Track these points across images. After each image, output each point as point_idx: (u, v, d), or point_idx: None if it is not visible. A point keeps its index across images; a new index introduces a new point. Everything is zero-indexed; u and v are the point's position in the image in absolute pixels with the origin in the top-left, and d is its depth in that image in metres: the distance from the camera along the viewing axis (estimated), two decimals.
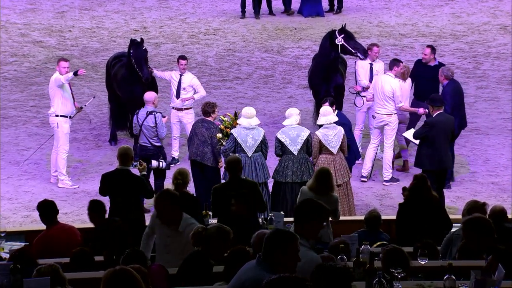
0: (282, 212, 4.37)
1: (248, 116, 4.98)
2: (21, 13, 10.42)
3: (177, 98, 6.22)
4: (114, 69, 6.49)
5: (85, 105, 6.12)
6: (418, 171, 5.10)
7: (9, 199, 5.68)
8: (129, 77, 6.09)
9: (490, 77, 8.36)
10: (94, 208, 3.98)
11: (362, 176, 5.87)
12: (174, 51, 8.93)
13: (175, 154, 6.37)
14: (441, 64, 6.13)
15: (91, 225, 4.89)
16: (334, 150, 5.00)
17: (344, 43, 5.98)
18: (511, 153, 6.41)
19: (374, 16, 10.32)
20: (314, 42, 9.24)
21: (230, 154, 4.82)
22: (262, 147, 5.01)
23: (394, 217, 4.60)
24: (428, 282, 2.80)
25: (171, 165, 6.23)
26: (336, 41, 6.00)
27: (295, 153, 4.94)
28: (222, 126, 5.12)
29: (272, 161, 5.37)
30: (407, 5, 10.71)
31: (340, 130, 5.08)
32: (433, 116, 5.20)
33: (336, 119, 5.08)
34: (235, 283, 2.47)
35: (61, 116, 5.72)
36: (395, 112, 5.79)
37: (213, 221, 4.21)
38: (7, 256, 3.69)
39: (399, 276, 2.74)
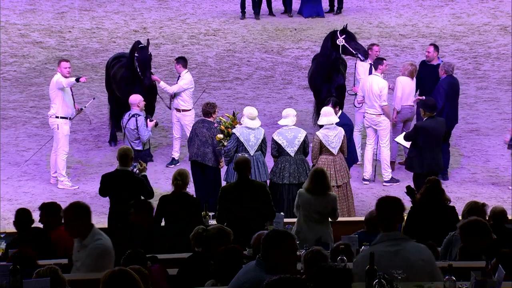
0: (282, 213, 4.37)
1: (251, 117, 4.98)
2: (21, 13, 10.42)
3: (173, 98, 6.21)
4: (113, 70, 6.48)
5: (85, 107, 6.12)
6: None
7: (8, 200, 5.68)
8: (129, 78, 6.08)
9: (491, 78, 8.36)
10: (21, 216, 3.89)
11: (364, 179, 5.85)
12: (174, 52, 8.93)
13: (176, 155, 6.35)
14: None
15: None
16: (335, 151, 4.99)
17: (345, 44, 5.96)
18: (511, 154, 6.42)
19: (374, 17, 10.32)
20: (314, 43, 9.25)
21: (238, 154, 4.79)
22: (262, 146, 5.01)
23: None
24: (428, 283, 2.77)
25: (170, 166, 6.29)
26: (337, 42, 5.99)
27: (292, 154, 4.93)
28: (222, 127, 5.10)
29: (269, 161, 5.34)
30: (407, 5, 10.71)
31: (341, 130, 5.07)
32: (424, 120, 5.23)
33: (337, 120, 5.07)
34: (234, 284, 2.47)
35: (61, 117, 5.73)
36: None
37: (213, 222, 4.20)
38: None
39: (399, 277, 2.73)
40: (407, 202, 4.20)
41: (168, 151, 6.56)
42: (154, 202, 4.51)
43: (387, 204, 2.73)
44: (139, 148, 5.43)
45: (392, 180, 5.82)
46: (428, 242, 3.33)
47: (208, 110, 5.29)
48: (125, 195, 4.34)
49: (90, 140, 6.88)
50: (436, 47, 6.17)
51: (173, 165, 6.25)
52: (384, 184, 5.81)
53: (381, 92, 5.70)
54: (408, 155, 5.38)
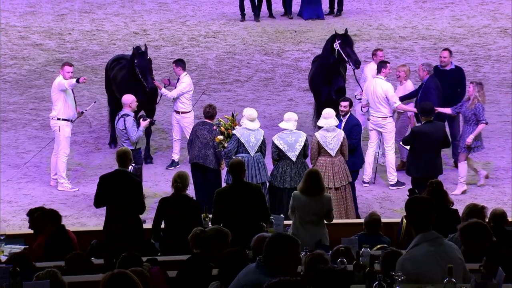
0: (282, 215, 4.36)
1: (251, 119, 4.97)
2: (21, 16, 10.43)
3: (173, 100, 6.21)
4: (113, 72, 6.48)
5: (86, 110, 6.11)
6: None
7: (8, 202, 5.66)
8: (129, 81, 6.07)
9: (490, 80, 8.36)
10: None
11: (364, 182, 5.84)
12: (174, 54, 8.93)
13: (175, 157, 6.34)
14: (457, 68, 6.04)
15: (91, 228, 4.89)
16: (333, 153, 4.97)
17: (340, 49, 5.94)
18: (511, 156, 6.40)
19: (374, 19, 10.32)
20: (314, 45, 9.25)
21: (234, 156, 4.80)
22: (262, 147, 5.00)
23: (394, 220, 4.61)
24: (429, 285, 2.77)
25: (169, 168, 6.29)
26: (334, 46, 5.98)
27: (294, 159, 4.92)
28: (222, 128, 5.10)
29: (269, 164, 5.31)
30: (407, 8, 10.71)
31: (340, 133, 5.06)
32: (421, 124, 5.22)
33: (336, 123, 5.06)
34: (234, 286, 2.46)
35: (63, 119, 5.73)
36: (390, 115, 5.78)
37: (211, 225, 4.19)
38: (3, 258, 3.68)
39: (399, 280, 2.73)
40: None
41: (168, 153, 6.55)
42: (154, 204, 4.52)
43: (421, 204, 2.70)
44: (130, 148, 5.40)
45: (398, 183, 5.80)
46: None
47: (212, 111, 5.29)
48: (123, 196, 4.32)
49: (90, 142, 6.87)
50: (450, 52, 6.10)
51: (173, 167, 6.24)
52: (390, 187, 5.79)
53: (387, 95, 5.66)
54: (407, 159, 5.38)
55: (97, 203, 4.48)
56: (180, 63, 6.26)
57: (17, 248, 4.06)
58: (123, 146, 5.32)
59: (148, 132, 6.24)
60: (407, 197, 4.24)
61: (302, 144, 4.95)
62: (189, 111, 6.25)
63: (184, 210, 4.17)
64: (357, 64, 5.93)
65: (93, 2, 10.80)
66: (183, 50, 9.27)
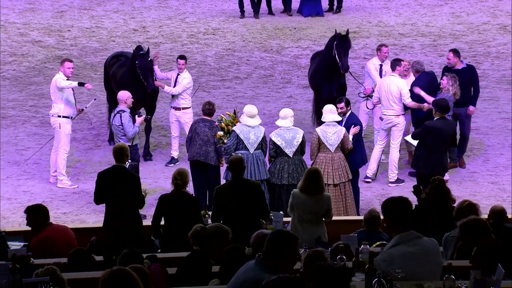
0: (281, 212, 4.37)
1: (251, 115, 4.96)
2: (20, 12, 10.39)
3: (173, 97, 6.20)
4: (112, 69, 6.46)
5: (86, 107, 6.10)
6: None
7: (8, 199, 5.66)
8: (130, 80, 6.04)
9: (490, 77, 8.35)
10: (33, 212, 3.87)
11: (367, 177, 5.82)
12: (173, 51, 8.91)
13: (175, 154, 6.33)
14: (469, 66, 5.96)
15: (90, 225, 4.89)
16: (332, 148, 4.96)
17: (335, 49, 5.92)
18: (510, 153, 6.39)
19: (374, 16, 10.30)
20: (313, 42, 9.23)
21: (233, 153, 4.80)
22: (262, 144, 5.00)
23: None
24: (428, 282, 2.77)
25: (169, 165, 6.27)
26: (334, 44, 5.97)
27: (291, 155, 4.91)
28: (223, 124, 5.09)
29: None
30: (407, 4, 10.68)
31: (341, 129, 5.04)
32: (434, 119, 5.20)
33: (339, 119, 5.05)
34: (233, 283, 2.46)
35: (63, 116, 5.71)
36: (403, 113, 5.76)
37: (211, 222, 4.20)
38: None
39: (398, 276, 2.73)
40: (413, 203, 4.19)
41: (167, 151, 6.55)
42: (154, 201, 4.52)
43: (397, 205, 2.70)
44: (127, 144, 5.40)
45: (398, 181, 5.80)
46: None
47: (212, 108, 5.28)
48: (121, 192, 4.31)
49: (90, 139, 6.86)
50: (455, 52, 5.94)
51: (172, 164, 6.23)
52: (390, 185, 5.78)
53: (402, 91, 5.63)
54: (415, 154, 5.32)
55: (97, 200, 4.47)
56: (185, 58, 6.29)
57: (17, 245, 4.06)
58: (119, 142, 5.31)
59: (147, 129, 6.24)
60: (412, 194, 4.26)
61: (300, 140, 4.95)
62: (190, 107, 6.25)
63: (184, 207, 4.16)
64: (344, 69, 5.92)
65: None
66: (182, 47, 9.25)
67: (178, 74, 6.22)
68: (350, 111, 5.28)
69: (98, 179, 4.43)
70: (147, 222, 4.55)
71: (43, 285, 2.69)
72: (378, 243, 3.83)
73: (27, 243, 4.06)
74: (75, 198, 5.72)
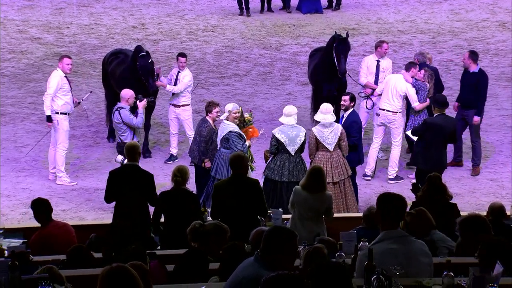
0: (280, 209, 4.36)
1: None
2: (19, 9, 10.36)
3: (173, 94, 6.19)
4: (111, 66, 6.42)
5: (82, 99, 6.07)
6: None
7: (7, 196, 5.64)
8: (130, 80, 6.00)
9: (489, 74, 8.23)
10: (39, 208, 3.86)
11: (365, 175, 5.81)
12: (172, 48, 8.89)
13: (174, 151, 6.32)
14: (480, 72, 5.82)
15: (89, 222, 4.89)
16: (331, 147, 4.96)
17: (334, 51, 5.91)
18: (510, 150, 6.38)
19: (373, 13, 10.27)
20: (312, 39, 9.21)
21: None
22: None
23: None
24: (427, 279, 2.77)
25: (168, 162, 6.24)
26: (333, 46, 5.97)
27: (293, 153, 4.91)
28: (246, 115, 5.03)
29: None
30: (406, 1, 10.65)
31: (337, 127, 5.03)
32: (434, 116, 5.18)
33: (333, 119, 5.03)
34: (232, 280, 2.46)
35: (61, 113, 5.69)
36: (400, 110, 5.74)
37: (211, 218, 4.20)
38: (6, 253, 3.68)
39: (397, 273, 2.73)
40: (410, 200, 4.19)
41: (166, 148, 6.53)
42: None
43: (390, 201, 2.68)
44: (127, 140, 5.36)
45: (397, 178, 5.79)
46: (426, 239, 3.34)
47: (208, 108, 5.27)
48: (132, 190, 4.29)
49: (89, 136, 6.84)
50: (472, 54, 5.71)
51: (171, 161, 6.21)
52: (389, 182, 5.78)
53: (408, 93, 5.62)
54: (414, 150, 5.31)
55: (107, 199, 4.44)
56: (186, 56, 6.27)
57: (16, 242, 4.06)
58: (120, 139, 5.28)
59: (146, 126, 6.21)
60: (411, 191, 4.25)
61: (303, 139, 4.94)
62: (189, 104, 6.24)
63: (184, 204, 4.15)
64: (341, 73, 5.90)
65: None
66: (181, 44, 9.22)
67: (179, 72, 6.21)
68: (352, 109, 5.24)
69: (110, 178, 4.40)
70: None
71: (42, 281, 2.68)
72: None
73: (26, 240, 4.06)
74: (74, 195, 5.71)
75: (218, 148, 4.96)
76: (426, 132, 5.13)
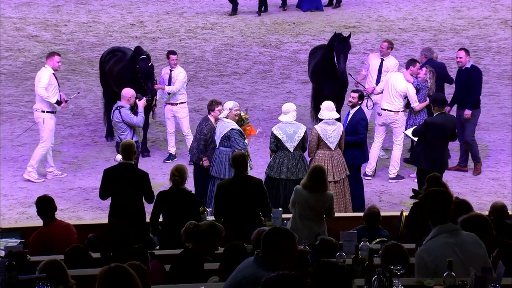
0: (280, 209, 4.32)
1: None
2: (17, 7, 10.31)
3: (169, 94, 6.14)
4: (108, 64, 6.38)
5: (70, 98, 6.00)
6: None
7: (4, 196, 5.60)
8: (129, 81, 5.94)
9: (491, 72, 8.30)
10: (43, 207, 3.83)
11: (366, 175, 5.78)
12: (171, 46, 8.83)
13: (172, 150, 6.28)
14: (473, 67, 5.78)
15: (87, 222, 4.84)
16: (332, 146, 4.92)
17: (334, 50, 5.87)
18: (511, 149, 6.36)
19: (374, 10, 10.23)
20: (313, 37, 9.17)
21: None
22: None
23: (393, 213, 4.57)
24: (428, 279, 2.74)
25: (167, 161, 6.19)
26: (334, 45, 5.94)
27: (291, 150, 4.88)
28: (242, 114, 4.98)
29: (267, 156, 5.30)
30: None
31: (339, 126, 5.00)
32: (434, 115, 5.15)
33: (337, 116, 5.00)
34: (232, 281, 2.44)
35: (47, 112, 5.62)
36: (402, 109, 5.72)
37: (211, 218, 4.16)
38: (2, 253, 3.64)
39: (398, 273, 2.69)
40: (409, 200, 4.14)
41: (165, 147, 6.49)
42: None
43: (438, 197, 2.71)
44: (127, 139, 5.33)
45: (398, 177, 5.76)
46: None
47: (210, 107, 5.22)
48: (128, 189, 4.26)
49: (87, 135, 6.80)
50: (466, 51, 5.71)
51: (170, 161, 6.18)
52: (390, 181, 5.75)
53: (408, 93, 5.59)
54: (415, 150, 5.29)
55: (101, 195, 4.42)
56: (177, 53, 6.22)
57: (13, 242, 4.01)
58: (119, 138, 5.24)
59: (145, 125, 6.17)
60: (410, 198, 4.19)
61: (301, 135, 4.90)
62: (186, 101, 6.21)
63: (183, 203, 4.11)
64: (340, 73, 5.86)
65: None
66: (180, 42, 9.17)
67: (171, 70, 6.15)
68: (359, 107, 5.20)
69: (104, 176, 4.38)
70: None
71: (40, 281, 2.64)
72: (378, 240, 3.82)
73: (23, 240, 4.02)
74: (72, 194, 5.67)
75: (217, 147, 4.91)
76: (427, 132, 5.11)
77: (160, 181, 5.70)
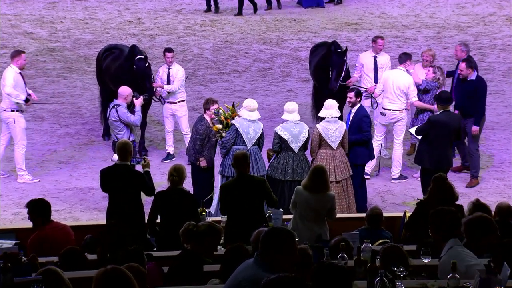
0: (281, 210, 4.25)
1: (250, 109, 4.84)
2: (12, 3, 10.25)
3: (168, 93, 6.05)
4: (105, 62, 6.29)
5: (50, 103, 5.89)
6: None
7: None
8: (127, 81, 5.81)
9: (496, 70, 8.19)
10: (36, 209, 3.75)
11: (365, 174, 5.65)
12: (169, 43, 8.75)
13: (170, 149, 6.19)
14: (478, 79, 5.50)
15: (84, 223, 4.74)
16: (334, 145, 4.84)
17: (332, 58, 5.79)
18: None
19: (376, 7, 10.15)
20: (314, 34, 9.08)
21: (236, 146, 4.65)
22: (260, 140, 4.88)
23: (395, 214, 4.47)
24: (432, 281, 2.70)
25: (165, 161, 6.12)
26: (332, 53, 5.85)
27: (296, 150, 4.80)
28: (222, 117, 4.93)
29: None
30: None
31: (342, 125, 4.92)
32: (438, 113, 5.05)
33: (338, 114, 4.91)
34: (231, 282, 2.38)
35: (17, 111, 5.53)
36: (406, 108, 5.63)
37: (210, 218, 4.10)
38: None
39: (401, 275, 2.62)
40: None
41: (163, 146, 6.39)
42: (150, 198, 4.37)
43: (448, 216, 2.90)
44: (124, 138, 5.23)
45: (401, 177, 5.68)
46: (430, 241, 3.21)
47: (206, 105, 5.14)
48: (124, 190, 4.20)
49: (83, 135, 6.71)
50: (469, 63, 5.37)
51: (168, 160, 6.09)
52: (393, 181, 5.67)
53: (408, 89, 5.50)
54: (419, 149, 5.19)
55: (104, 192, 4.37)
56: (173, 51, 6.13)
57: (8, 243, 3.91)
58: (116, 138, 5.16)
59: (143, 124, 6.08)
60: (415, 206, 4.08)
61: (306, 136, 4.83)
62: (185, 100, 6.12)
63: (181, 204, 4.04)
64: (330, 89, 5.78)
65: None
66: (178, 39, 9.09)
67: (169, 68, 6.05)
68: (359, 104, 5.12)
69: (100, 177, 4.32)
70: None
71: (35, 284, 2.56)
72: (380, 241, 3.74)
73: (18, 241, 3.93)
74: (68, 195, 5.57)
75: (248, 147, 4.75)
76: (430, 130, 5.01)
77: (158, 181, 5.58)
